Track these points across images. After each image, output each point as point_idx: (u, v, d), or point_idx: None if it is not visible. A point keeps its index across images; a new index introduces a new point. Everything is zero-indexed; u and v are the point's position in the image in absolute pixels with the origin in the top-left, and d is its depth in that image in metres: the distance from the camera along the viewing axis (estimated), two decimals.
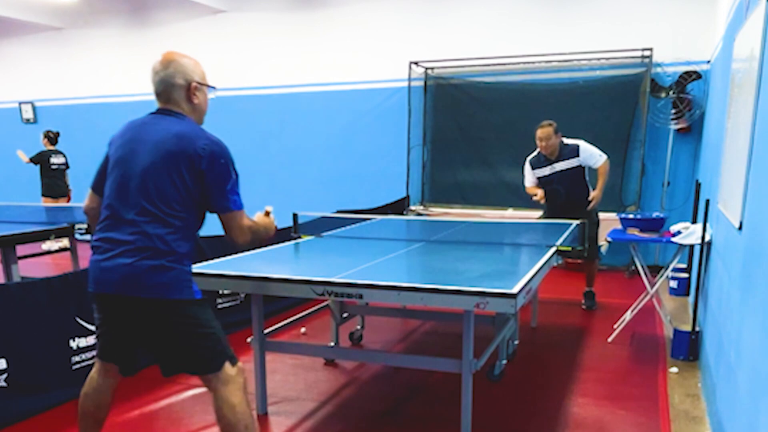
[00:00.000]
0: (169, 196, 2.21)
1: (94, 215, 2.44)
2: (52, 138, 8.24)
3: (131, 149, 2.27)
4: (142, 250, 2.17)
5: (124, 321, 2.29)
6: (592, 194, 5.06)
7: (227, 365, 2.29)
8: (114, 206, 2.26)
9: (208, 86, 2.41)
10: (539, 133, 5.00)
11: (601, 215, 6.32)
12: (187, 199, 2.24)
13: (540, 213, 5.49)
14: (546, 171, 5.12)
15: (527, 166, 5.24)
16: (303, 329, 4.57)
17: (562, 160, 5.04)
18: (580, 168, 5.04)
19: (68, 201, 8.14)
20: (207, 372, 2.28)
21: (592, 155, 5.03)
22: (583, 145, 5.05)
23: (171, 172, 2.20)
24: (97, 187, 2.41)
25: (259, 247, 3.69)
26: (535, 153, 5.20)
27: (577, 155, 5.00)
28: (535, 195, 5.12)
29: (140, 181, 2.21)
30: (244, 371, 2.39)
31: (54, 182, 8.14)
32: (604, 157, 5.05)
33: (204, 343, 2.27)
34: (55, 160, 8.18)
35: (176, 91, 2.31)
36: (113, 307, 2.28)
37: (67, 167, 8.29)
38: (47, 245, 6.90)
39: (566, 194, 5.06)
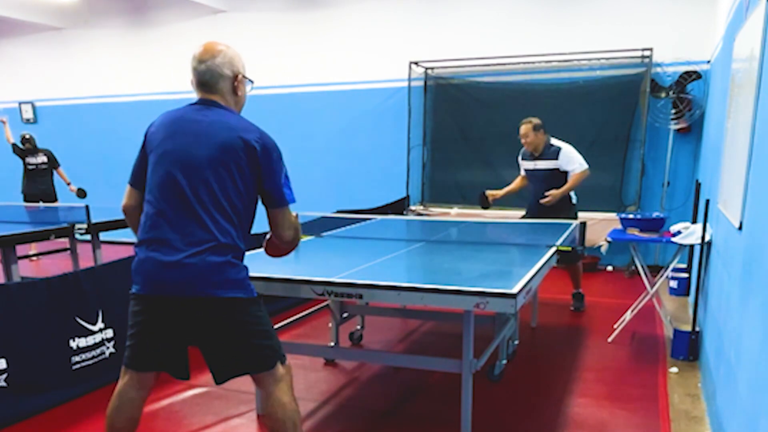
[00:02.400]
0: (229, 190, 2.15)
1: (135, 213, 2.31)
2: (27, 140, 7.89)
3: (183, 142, 2.17)
4: (207, 247, 2.10)
5: (182, 325, 2.18)
6: (551, 192, 4.97)
7: (279, 364, 2.27)
8: (168, 202, 2.15)
9: (249, 80, 2.38)
10: (520, 129, 5.07)
11: (601, 215, 6.37)
12: (245, 194, 2.19)
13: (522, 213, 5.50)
14: (529, 166, 5.19)
15: (519, 156, 5.34)
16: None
17: (543, 159, 5.07)
18: (558, 171, 5.01)
19: (54, 203, 7.78)
20: (263, 370, 2.25)
21: (571, 161, 4.98)
22: (566, 148, 5.01)
23: (230, 165, 2.14)
24: (137, 182, 2.30)
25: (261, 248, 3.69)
26: None
27: (556, 158, 4.99)
28: (496, 192, 5.26)
29: (199, 175, 2.13)
30: (292, 369, 2.37)
31: (30, 182, 7.89)
32: (585, 167, 4.99)
33: (263, 341, 2.24)
34: (32, 159, 7.91)
35: (223, 82, 2.25)
36: (169, 310, 2.16)
37: (52, 167, 7.90)
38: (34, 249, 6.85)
39: (541, 195, 5.03)
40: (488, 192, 5.28)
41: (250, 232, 2.32)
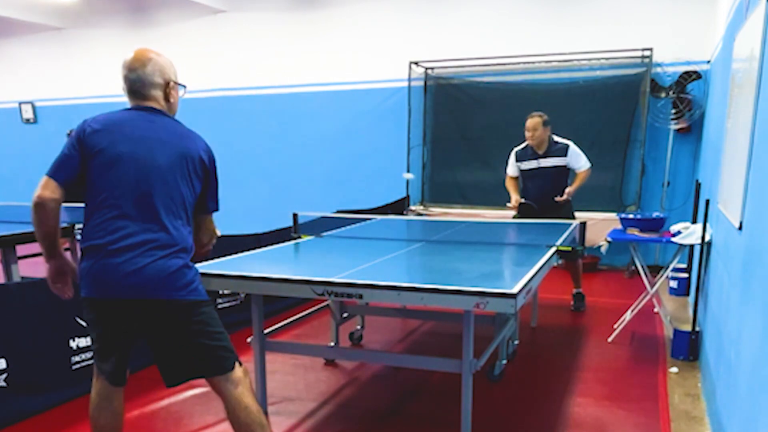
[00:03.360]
0: (185, 197, 2.23)
1: (56, 208, 2.16)
2: None
3: (143, 148, 2.18)
4: (169, 252, 2.13)
5: (135, 327, 2.21)
6: (568, 189, 5.00)
7: (236, 365, 2.28)
8: (131, 206, 2.14)
9: (180, 84, 2.41)
10: (528, 123, 5.01)
11: (601, 215, 6.36)
12: (195, 200, 2.30)
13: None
14: (532, 164, 5.11)
15: (512, 157, 5.25)
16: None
17: (549, 157, 5.05)
18: (565, 169, 5.05)
19: None
20: (219, 373, 2.24)
21: (579, 158, 5.04)
22: (573, 146, 5.06)
23: (187, 174, 2.23)
24: (63, 179, 2.16)
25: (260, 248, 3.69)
26: (523, 145, 5.21)
27: (565, 155, 5.01)
28: (510, 202, 5.16)
29: (162, 181, 2.17)
30: (248, 372, 2.39)
31: None
32: (589, 165, 5.07)
33: (217, 343, 2.25)
34: None
35: (154, 90, 2.29)
36: (126, 313, 2.17)
37: None
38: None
39: (545, 193, 5.04)
40: (514, 201, 5.12)
41: None
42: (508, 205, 5.19)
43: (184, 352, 2.23)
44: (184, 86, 2.41)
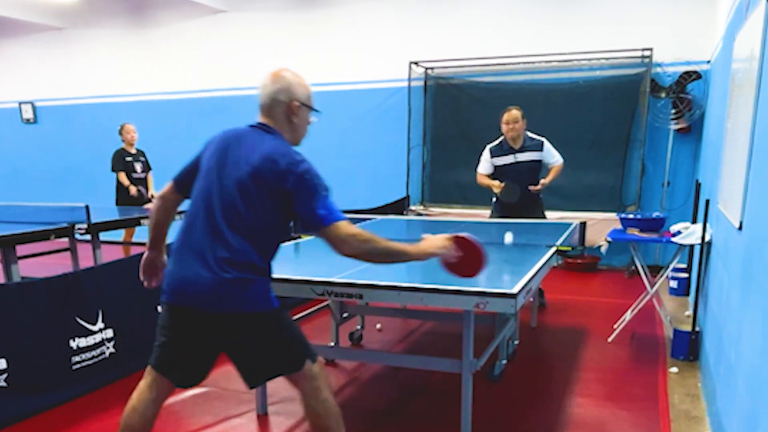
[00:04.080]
0: (253, 212, 2.18)
1: (165, 208, 2.42)
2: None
3: (224, 162, 2.24)
4: (229, 264, 2.14)
5: (203, 335, 2.24)
6: (543, 180, 5.04)
7: (308, 363, 2.32)
8: (199, 216, 2.22)
9: (312, 109, 2.40)
10: (507, 116, 5.03)
11: (601, 215, 6.37)
12: (270, 215, 2.21)
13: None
14: (508, 159, 5.10)
15: (485, 154, 5.23)
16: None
17: (526, 151, 5.06)
18: (539, 164, 5.09)
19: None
20: (292, 372, 2.31)
21: (553, 153, 5.10)
22: (547, 142, 5.11)
23: (258, 189, 2.18)
24: (181, 185, 2.38)
25: None
26: (497, 141, 5.21)
27: (541, 150, 5.05)
28: (492, 185, 5.08)
29: (228, 196, 2.19)
30: (324, 366, 2.44)
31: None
32: (562, 160, 5.13)
33: (287, 347, 2.30)
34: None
35: (278, 107, 2.30)
36: (192, 322, 2.22)
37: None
38: None
39: (523, 187, 5.01)
40: (497, 186, 5.04)
41: (276, 250, 2.33)
42: (495, 190, 5.07)
43: (256, 359, 2.28)
44: (318, 111, 2.41)
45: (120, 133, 7.17)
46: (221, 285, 2.13)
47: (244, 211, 2.18)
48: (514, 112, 5.01)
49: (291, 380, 2.34)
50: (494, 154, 5.19)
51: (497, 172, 5.17)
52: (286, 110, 2.31)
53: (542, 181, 5.04)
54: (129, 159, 7.10)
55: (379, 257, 2.33)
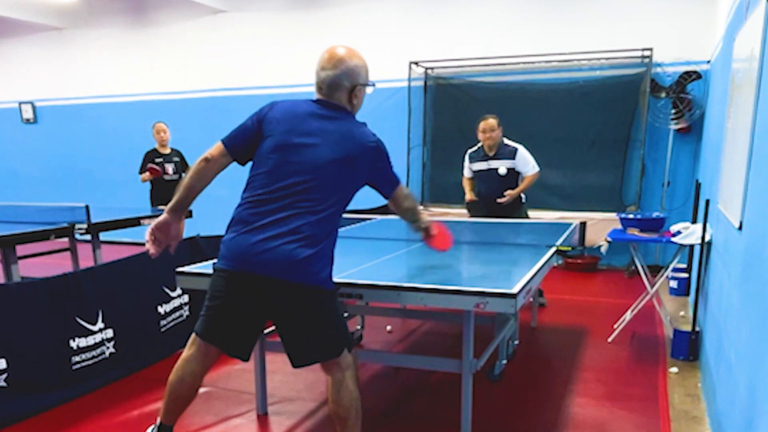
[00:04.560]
0: (342, 191, 2.33)
1: (215, 170, 2.39)
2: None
3: (310, 141, 2.32)
4: (304, 237, 2.22)
5: (261, 303, 2.30)
6: (508, 192, 5.04)
7: (346, 351, 2.38)
8: (280, 189, 2.27)
9: (371, 83, 2.49)
10: (483, 125, 5.05)
11: (601, 215, 6.37)
12: (350, 195, 2.39)
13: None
14: (482, 166, 5.15)
15: (466, 159, 5.32)
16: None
17: (498, 159, 5.07)
18: (514, 171, 5.07)
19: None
20: (333, 357, 2.35)
21: (526, 162, 5.07)
22: (521, 150, 5.08)
23: (349, 172, 2.33)
24: (234, 148, 2.38)
25: None
26: (475, 147, 5.25)
27: (514, 158, 5.04)
28: (467, 193, 5.27)
29: (318, 176, 2.28)
30: (357, 358, 2.49)
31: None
32: (537, 169, 5.11)
33: (336, 330, 2.37)
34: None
35: (339, 92, 2.40)
36: (253, 288, 2.27)
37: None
38: None
39: (495, 194, 5.07)
40: (468, 198, 5.27)
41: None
42: (466, 197, 5.30)
43: (304, 335, 2.34)
44: (373, 84, 2.50)
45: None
46: (299, 257, 2.20)
47: (332, 191, 2.29)
48: (491, 121, 5.03)
49: (325, 366, 2.39)
50: (472, 159, 5.27)
51: (476, 177, 5.26)
52: (348, 94, 2.41)
53: (507, 192, 5.03)
54: (159, 160, 6.59)
55: (417, 210, 2.79)
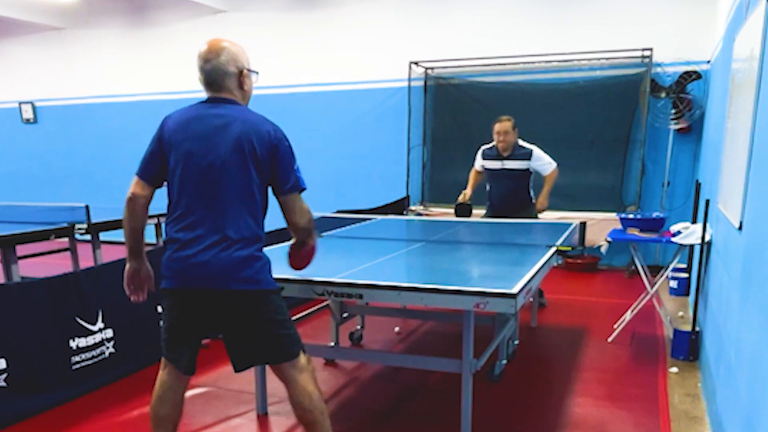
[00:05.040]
0: (250, 184, 2.24)
1: (143, 204, 2.33)
2: None
3: (200, 143, 2.25)
4: (232, 242, 2.20)
5: (208, 316, 2.28)
6: (539, 201, 5.07)
7: (301, 353, 2.36)
8: (193, 200, 2.24)
9: (255, 71, 2.43)
10: (498, 127, 5.01)
11: (601, 215, 6.36)
12: (261, 186, 2.29)
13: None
14: (496, 165, 5.12)
15: (479, 154, 5.28)
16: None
17: (512, 159, 5.05)
18: (528, 172, 5.06)
19: None
20: (285, 360, 2.33)
21: (542, 162, 5.04)
22: (536, 150, 5.06)
23: (248, 160, 2.23)
24: (149, 176, 2.32)
25: None
26: (489, 145, 5.21)
27: (529, 159, 5.02)
28: (464, 192, 5.20)
29: (220, 172, 2.22)
30: (312, 360, 2.45)
31: None
32: (554, 165, 5.07)
33: (284, 331, 2.33)
34: None
35: (229, 79, 2.32)
36: (198, 303, 2.26)
37: None
38: None
39: (507, 195, 5.07)
40: (460, 199, 5.19)
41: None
42: (459, 198, 5.19)
43: (251, 340, 2.31)
44: (257, 72, 2.43)
45: None
46: (232, 262, 2.18)
47: (243, 184, 2.23)
48: (506, 124, 4.99)
49: (278, 370, 2.35)
50: (485, 156, 5.23)
51: (487, 175, 5.23)
52: (238, 80, 2.34)
53: (540, 200, 5.06)
54: None
55: (311, 233, 2.52)
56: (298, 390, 2.34)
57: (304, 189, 2.39)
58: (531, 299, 5.19)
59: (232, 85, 2.33)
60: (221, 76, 2.30)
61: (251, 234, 2.25)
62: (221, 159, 2.22)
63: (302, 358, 2.36)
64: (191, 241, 2.21)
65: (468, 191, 5.25)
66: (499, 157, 5.10)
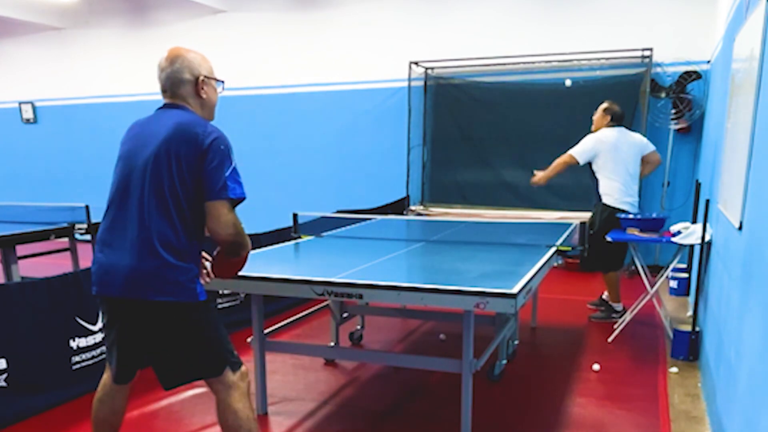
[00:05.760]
0: (171, 188, 2.10)
1: None
2: None
3: (134, 145, 2.22)
4: (144, 248, 2.08)
5: (127, 325, 2.21)
6: (538, 173, 4.93)
7: (228, 371, 2.23)
8: (116, 202, 2.19)
9: (217, 80, 2.35)
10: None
11: None
12: (189, 192, 2.12)
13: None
14: None
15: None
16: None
17: None
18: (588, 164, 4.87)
19: None
20: (209, 377, 2.23)
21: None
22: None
23: (171, 161, 2.10)
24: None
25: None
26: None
27: None
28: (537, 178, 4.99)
29: (142, 175, 2.13)
30: (248, 376, 2.33)
31: None
32: (569, 152, 4.87)
33: (206, 347, 2.21)
34: None
35: (183, 87, 2.26)
36: (116, 311, 2.20)
37: None
38: None
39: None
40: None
41: (201, 233, 2.23)
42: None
43: (171, 355, 2.20)
44: (222, 81, 2.37)
45: None
46: (143, 270, 2.08)
47: (162, 187, 2.10)
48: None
49: (208, 383, 2.26)
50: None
51: None
52: (194, 88, 2.27)
53: (537, 173, 4.95)
54: None
55: (242, 250, 2.25)
56: (223, 406, 2.24)
57: (234, 198, 2.14)
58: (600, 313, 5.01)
59: (186, 92, 2.27)
60: (175, 84, 2.26)
61: (173, 240, 2.10)
62: (146, 161, 2.13)
63: (230, 375, 2.22)
64: (109, 246, 2.16)
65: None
66: None
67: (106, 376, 2.35)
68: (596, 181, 4.88)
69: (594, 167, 4.85)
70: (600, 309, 5.04)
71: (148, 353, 2.24)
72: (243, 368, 2.30)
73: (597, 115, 4.92)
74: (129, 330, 2.23)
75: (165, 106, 2.30)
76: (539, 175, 4.96)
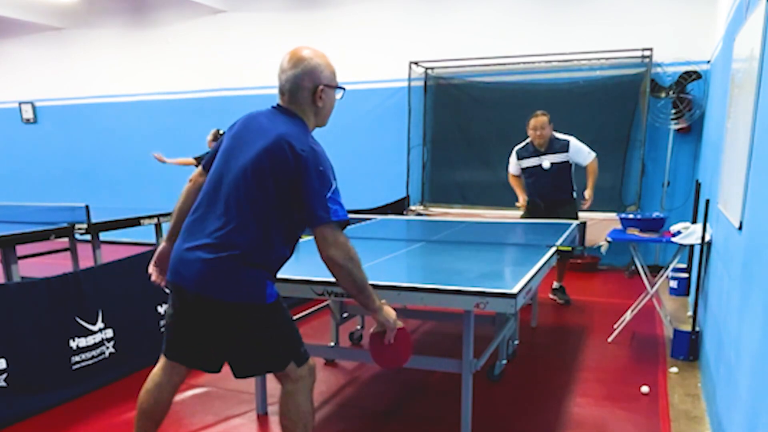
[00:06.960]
0: (260, 196, 2.10)
1: (190, 191, 2.40)
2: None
3: (235, 144, 2.21)
4: (221, 249, 2.08)
5: (195, 318, 2.20)
6: (586, 194, 5.08)
7: (292, 365, 2.25)
8: (207, 197, 2.20)
9: (337, 87, 2.31)
10: (533, 122, 5.04)
11: (601, 215, 6.36)
12: (277, 200, 2.11)
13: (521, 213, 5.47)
14: (533, 162, 5.13)
15: (513, 156, 5.29)
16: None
17: (551, 153, 5.05)
18: (567, 164, 5.07)
19: None
20: (275, 371, 2.28)
21: (581, 152, 5.08)
22: (573, 141, 5.11)
23: (265, 172, 2.09)
24: (206, 164, 2.36)
25: None
26: (523, 144, 5.23)
27: (567, 150, 5.04)
28: (519, 196, 5.24)
29: (233, 178, 2.13)
30: (315, 371, 2.36)
31: None
32: (593, 155, 5.11)
33: (268, 346, 2.23)
34: None
35: (301, 93, 2.22)
36: (186, 302, 2.19)
37: None
38: None
39: (548, 190, 5.07)
40: (520, 204, 5.23)
41: (292, 241, 2.29)
42: (517, 204, 5.26)
43: (235, 351, 2.23)
44: (342, 88, 2.33)
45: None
46: (212, 268, 2.08)
47: (250, 194, 2.10)
48: (541, 119, 5.01)
49: (275, 375, 2.32)
50: (520, 156, 5.21)
51: (525, 174, 5.21)
52: (311, 96, 2.22)
53: (586, 193, 5.08)
54: None
55: (352, 282, 2.25)
56: (286, 399, 2.28)
57: (339, 221, 2.18)
58: (557, 300, 5.22)
59: (303, 99, 2.22)
60: (293, 90, 2.22)
61: (244, 244, 2.09)
62: (240, 165, 2.14)
63: (296, 370, 2.26)
64: (190, 237, 2.16)
65: (521, 196, 5.25)
66: (536, 153, 5.08)
67: (158, 368, 2.34)
68: (570, 181, 5.17)
69: (571, 168, 5.16)
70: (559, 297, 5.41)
71: (216, 347, 2.25)
72: (311, 362, 2.32)
73: (548, 128, 5.08)
74: (196, 323, 2.22)
75: (277, 107, 2.27)
76: (589, 193, 5.13)
